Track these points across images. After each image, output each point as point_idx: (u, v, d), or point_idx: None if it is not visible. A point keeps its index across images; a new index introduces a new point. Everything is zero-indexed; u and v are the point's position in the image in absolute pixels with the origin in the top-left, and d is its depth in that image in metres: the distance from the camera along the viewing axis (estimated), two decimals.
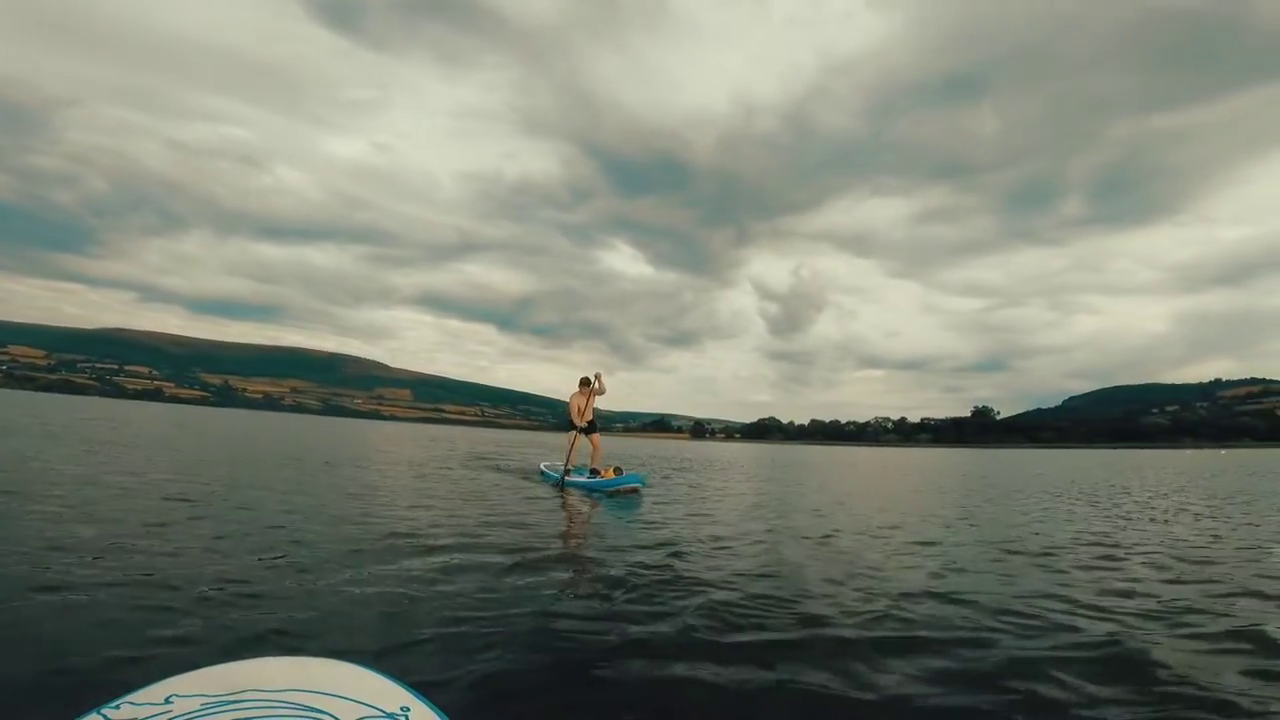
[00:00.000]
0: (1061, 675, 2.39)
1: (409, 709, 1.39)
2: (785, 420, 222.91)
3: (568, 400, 10.21)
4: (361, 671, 1.50)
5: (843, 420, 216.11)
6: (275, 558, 3.73)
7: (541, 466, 11.51)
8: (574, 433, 10.04)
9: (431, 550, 4.18)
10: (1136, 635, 2.91)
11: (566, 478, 9.46)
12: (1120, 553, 5.11)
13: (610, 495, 8.49)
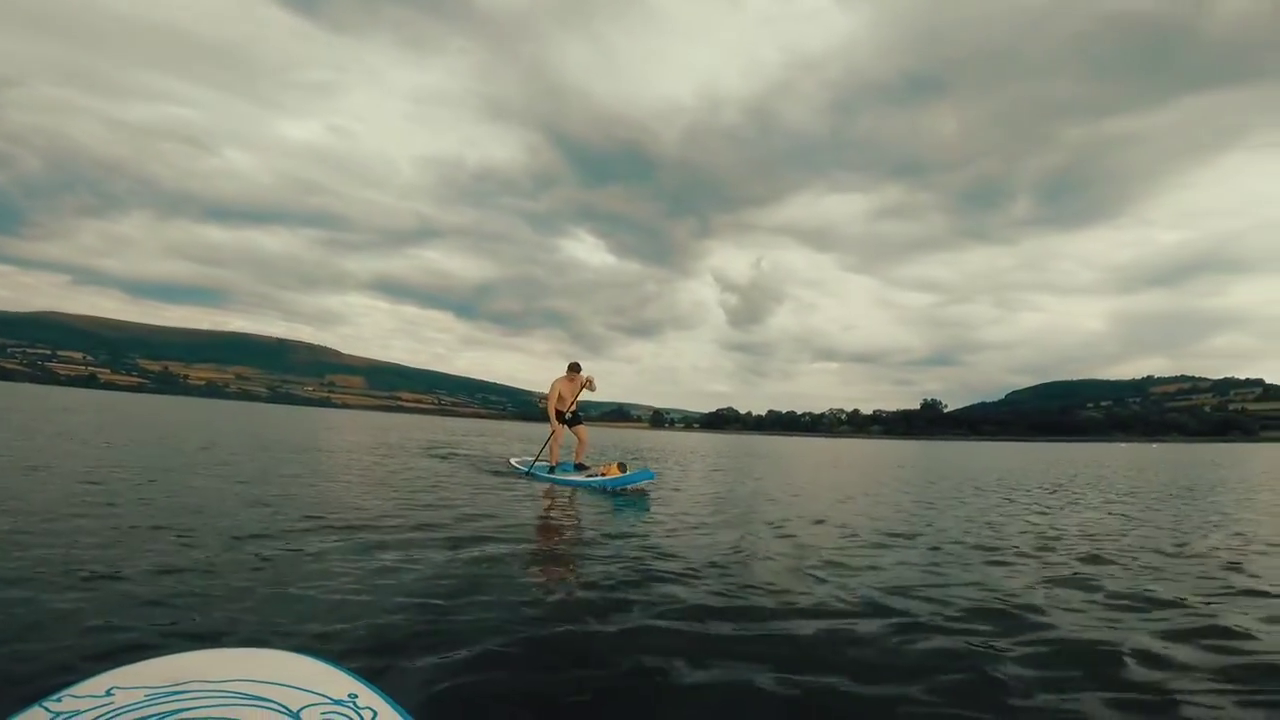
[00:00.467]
0: (1012, 667, 2.56)
1: (356, 695, 1.41)
2: (743, 411, 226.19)
3: (547, 388, 9.18)
4: (307, 661, 1.51)
5: (799, 411, 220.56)
6: (208, 548, 3.66)
7: (512, 461, 10.44)
8: (559, 424, 9.10)
9: (381, 543, 4.16)
10: (1036, 618, 3.13)
11: (553, 474, 8.58)
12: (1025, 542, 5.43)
13: (616, 495, 7.45)
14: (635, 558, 4.07)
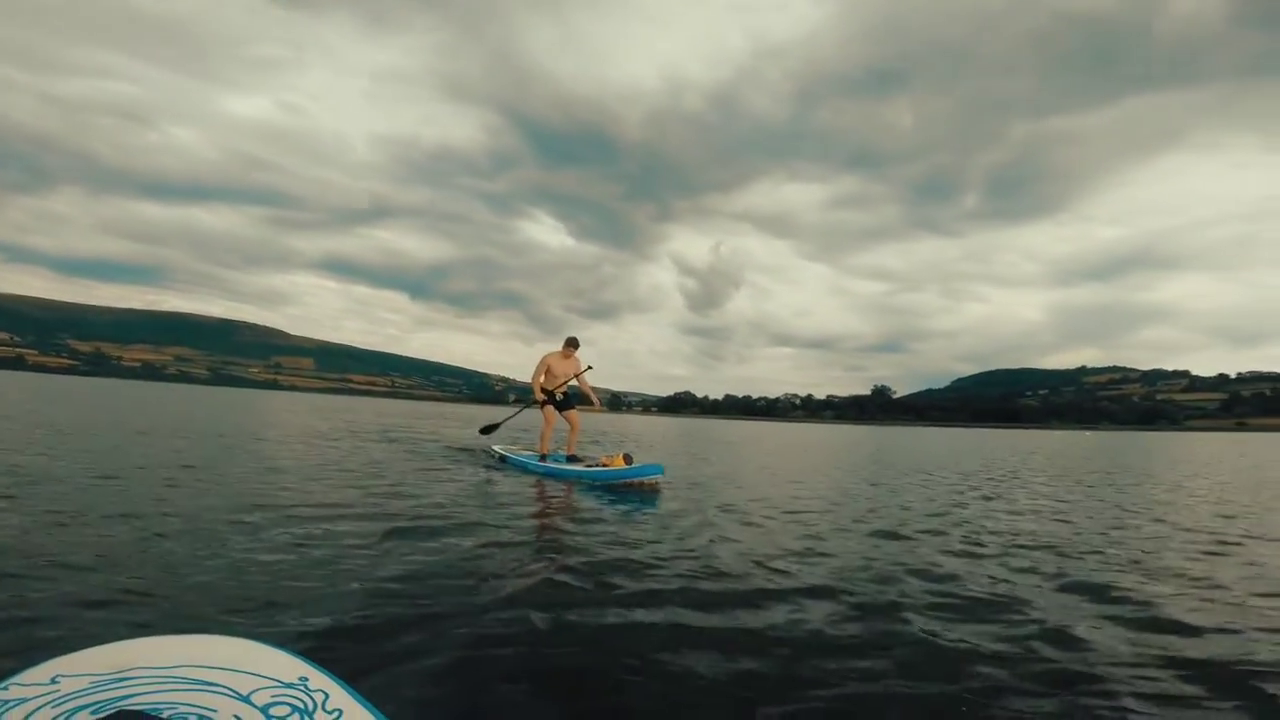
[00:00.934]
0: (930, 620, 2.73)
1: (307, 679, 1.43)
2: (700, 394, 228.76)
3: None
4: (256, 646, 1.52)
5: (754, 396, 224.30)
6: (147, 534, 3.59)
7: (496, 448, 9.19)
8: (549, 406, 8.21)
9: (330, 530, 4.12)
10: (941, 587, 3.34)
11: (544, 464, 7.72)
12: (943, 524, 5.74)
13: (620, 489, 6.65)
14: (594, 543, 4.14)
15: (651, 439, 20.17)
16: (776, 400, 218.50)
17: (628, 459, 7.16)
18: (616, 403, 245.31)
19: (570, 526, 4.68)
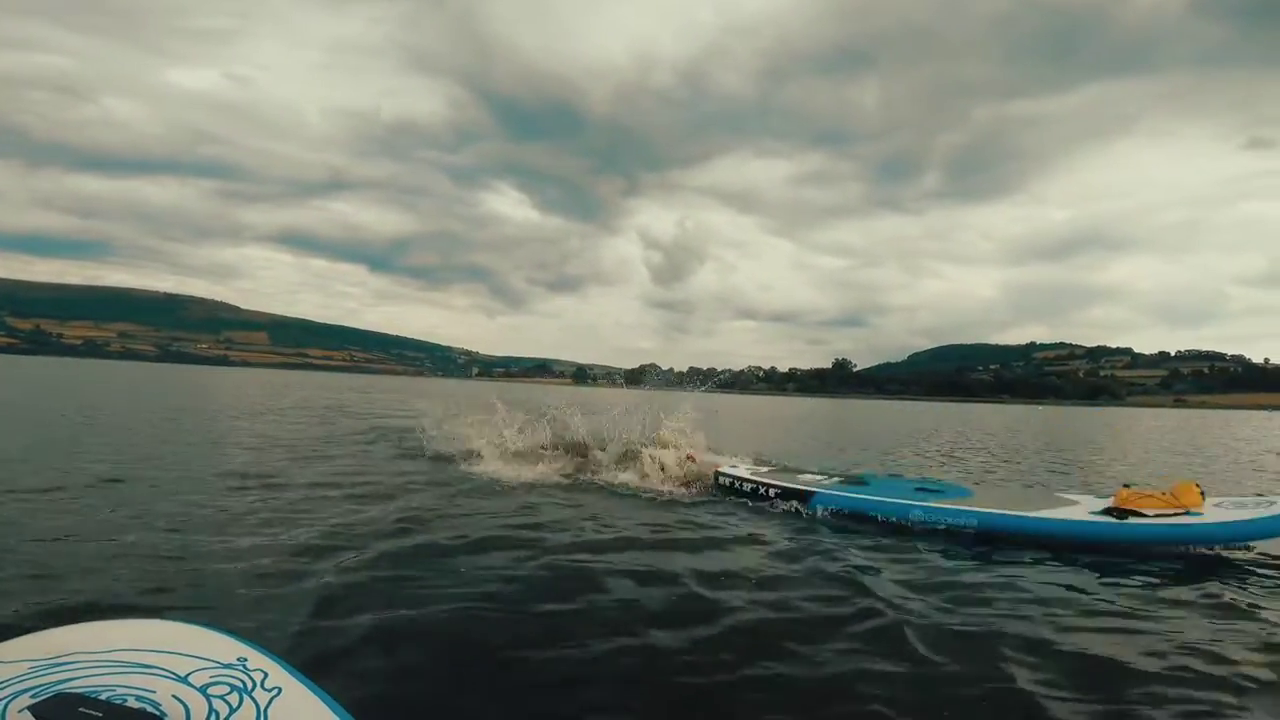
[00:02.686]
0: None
1: (246, 659, 1.48)
2: (665, 367, 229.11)
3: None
4: (194, 629, 1.56)
5: (719, 368, 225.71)
6: (85, 518, 3.54)
7: (763, 478, 5.68)
8: None
9: (275, 512, 4.12)
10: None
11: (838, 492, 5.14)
12: None
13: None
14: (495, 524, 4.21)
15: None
16: (740, 373, 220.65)
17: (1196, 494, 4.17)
18: (582, 375, 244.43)
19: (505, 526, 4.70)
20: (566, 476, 6.05)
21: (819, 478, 5.70)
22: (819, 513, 4.93)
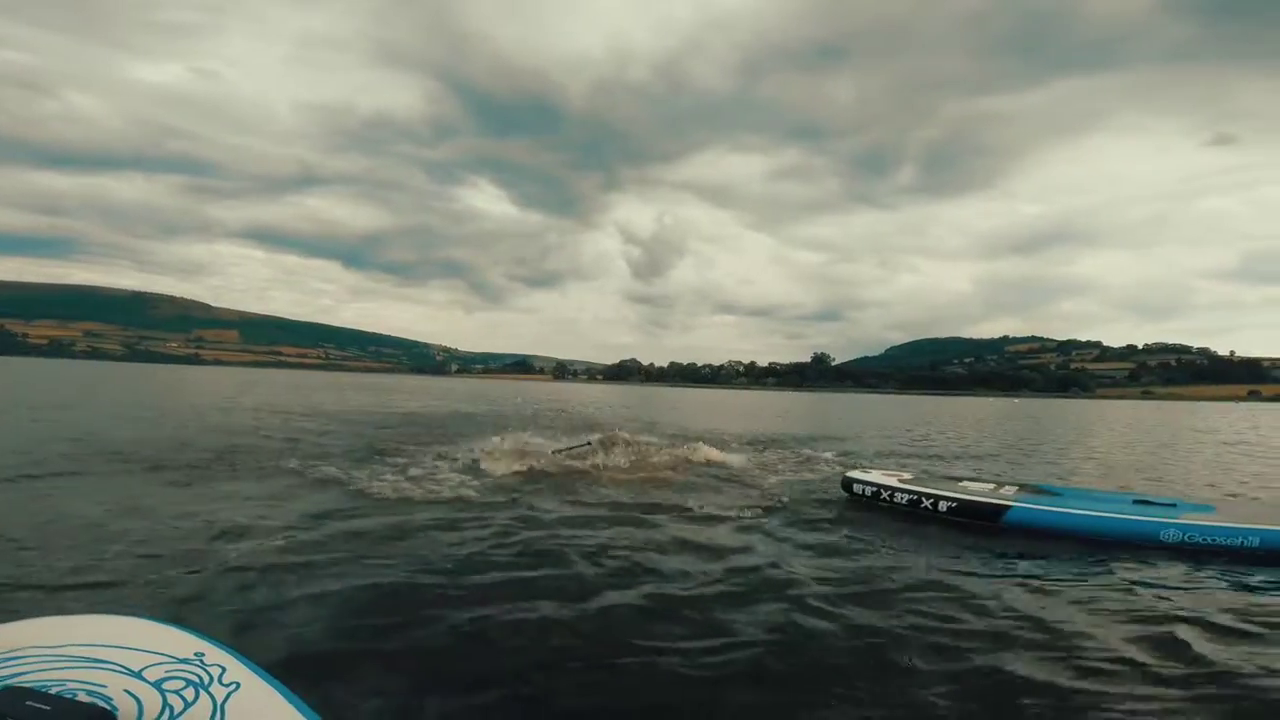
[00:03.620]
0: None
1: (203, 654, 1.47)
2: (646, 362, 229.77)
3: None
4: (150, 624, 1.54)
5: (699, 363, 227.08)
6: (37, 514, 3.47)
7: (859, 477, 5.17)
8: None
9: (237, 503, 4.06)
10: None
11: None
12: None
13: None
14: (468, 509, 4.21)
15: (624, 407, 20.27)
16: (721, 367, 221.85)
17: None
18: (562, 371, 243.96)
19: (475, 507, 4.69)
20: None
21: (987, 486, 4.83)
22: (1014, 531, 4.02)
